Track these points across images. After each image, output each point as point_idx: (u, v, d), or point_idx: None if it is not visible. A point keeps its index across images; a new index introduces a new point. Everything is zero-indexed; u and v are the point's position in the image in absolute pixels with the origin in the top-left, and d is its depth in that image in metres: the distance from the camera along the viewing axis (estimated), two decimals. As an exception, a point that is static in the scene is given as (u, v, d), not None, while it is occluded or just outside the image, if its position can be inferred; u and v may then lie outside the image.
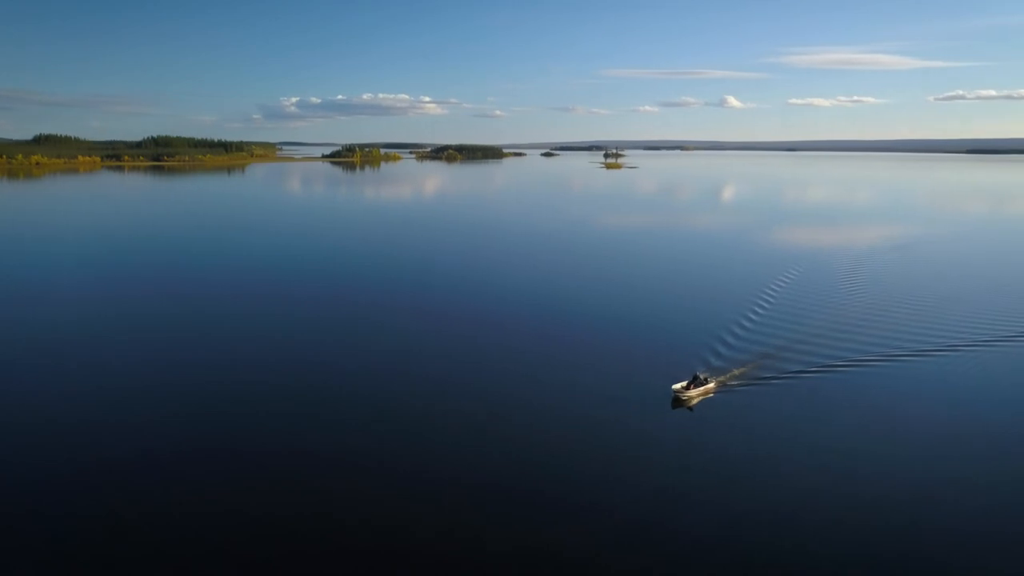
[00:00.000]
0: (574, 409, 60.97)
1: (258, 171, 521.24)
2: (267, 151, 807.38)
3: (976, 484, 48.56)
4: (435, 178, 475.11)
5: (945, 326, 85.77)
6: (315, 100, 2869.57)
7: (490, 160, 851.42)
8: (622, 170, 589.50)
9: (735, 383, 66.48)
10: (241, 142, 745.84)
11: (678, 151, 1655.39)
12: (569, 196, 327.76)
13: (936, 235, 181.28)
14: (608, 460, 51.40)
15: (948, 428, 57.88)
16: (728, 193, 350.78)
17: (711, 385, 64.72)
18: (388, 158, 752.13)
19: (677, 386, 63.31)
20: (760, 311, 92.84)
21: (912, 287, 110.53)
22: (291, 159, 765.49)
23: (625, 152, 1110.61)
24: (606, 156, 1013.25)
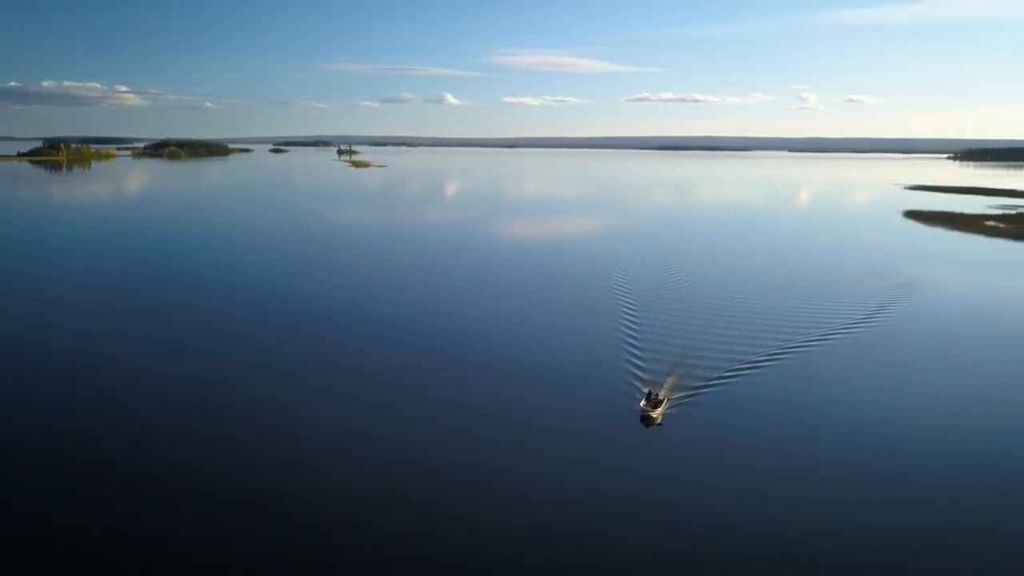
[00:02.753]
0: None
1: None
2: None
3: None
4: (188, 179, 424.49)
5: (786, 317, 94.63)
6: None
7: (216, 157, 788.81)
8: (371, 169, 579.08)
9: (677, 395, 65.69)
10: None
11: (404, 147, 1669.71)
12: (361, 203, 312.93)
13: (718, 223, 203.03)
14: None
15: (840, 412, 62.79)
16: (536, 194, 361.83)
17: (663, 398, 63.75)
18: (100, 156, 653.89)
19: (643, 403, 61.98)
20: (633, 319, 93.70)
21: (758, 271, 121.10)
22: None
23: (357, 149, 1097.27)
24: (340, 153, 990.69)
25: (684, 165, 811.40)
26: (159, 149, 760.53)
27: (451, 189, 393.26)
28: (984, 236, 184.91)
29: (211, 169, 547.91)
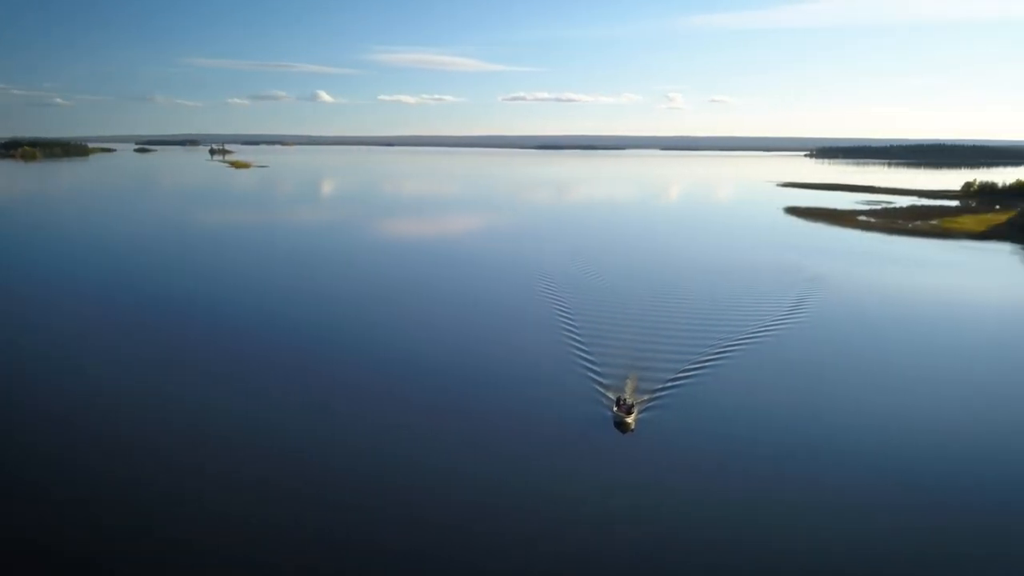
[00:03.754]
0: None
1: None
2: None
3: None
4: (61, 182, 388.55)
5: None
6: None
7: (75, 157, 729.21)
8: (253, 169, 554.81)
9: (642, 399, 66.75)
10: None
11: (278, 146, 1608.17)
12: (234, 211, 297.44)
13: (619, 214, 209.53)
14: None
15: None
16: (445, 193, 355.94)
17: (633, 403, 64.72)
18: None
19: (615, 409, 63.08)
20: (570, 322, 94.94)
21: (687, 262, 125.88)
22: None
23: (229, 148, 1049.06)
24: (212, 152, 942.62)
25: (566, 164, 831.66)
26: (10, 149, 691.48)
27: (347, 190, 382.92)
28: (861, 231, 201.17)
29: (77, 171, 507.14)
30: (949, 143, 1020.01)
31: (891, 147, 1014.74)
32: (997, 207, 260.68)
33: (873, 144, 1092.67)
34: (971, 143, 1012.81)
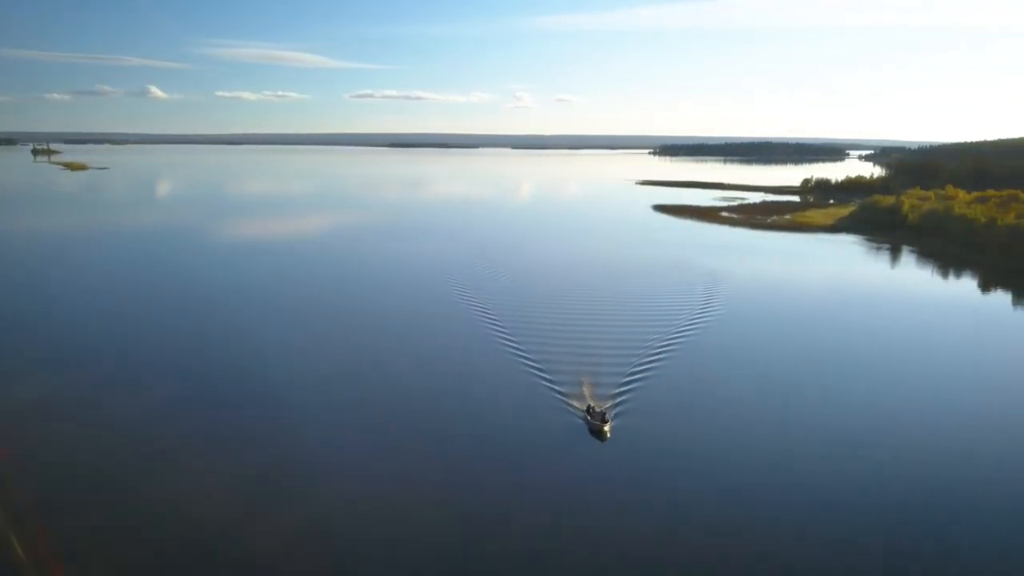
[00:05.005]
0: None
1: None
2: None
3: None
4: None
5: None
6: None
7: None
8: (91, 171, 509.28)
9: (606, 406, 68.21)
10: None
11: (108, 145, 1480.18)
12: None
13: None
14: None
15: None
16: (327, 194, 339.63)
17: (603, 410, 66.26)
18: None
19: (589, 418, 64.71)
20: (500, 328, 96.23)
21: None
22: None
23: (55, 148, 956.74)
24: (36, 153, 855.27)
25: (423, 162, 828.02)
26: None
27: (211, 192, 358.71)
28: (728, 226, 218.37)
29: None
30: (775, 141, 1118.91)
31: (726, 145, 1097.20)
32: (831, 202, 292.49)
33: (710, 142, 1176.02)
34: (794, 141, 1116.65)
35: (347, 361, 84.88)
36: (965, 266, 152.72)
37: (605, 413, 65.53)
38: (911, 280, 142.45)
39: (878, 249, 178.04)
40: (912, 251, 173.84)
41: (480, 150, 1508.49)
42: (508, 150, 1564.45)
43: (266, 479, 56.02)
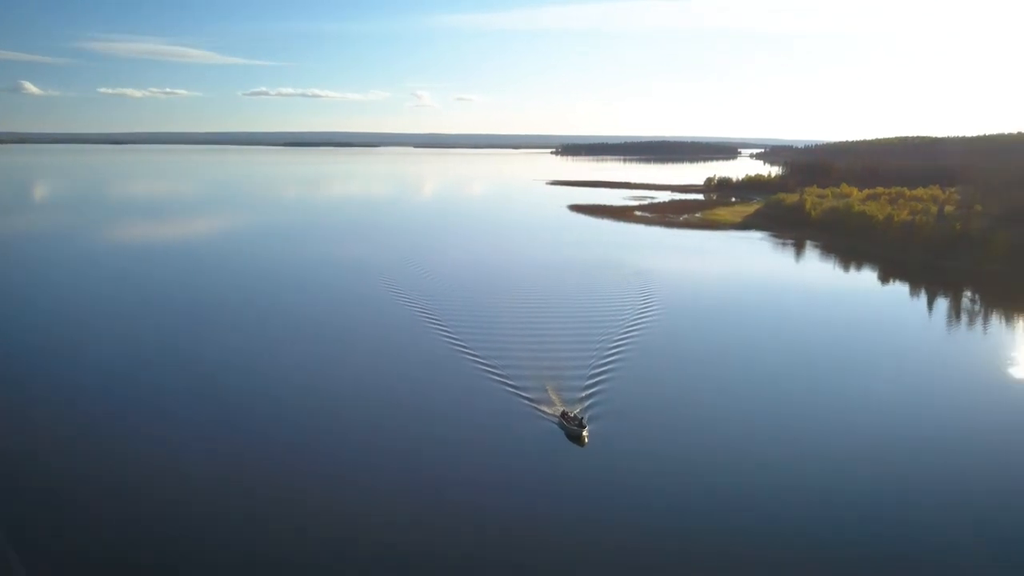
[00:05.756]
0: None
1: None
2: None
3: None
4: None
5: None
6: None
7: None
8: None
9: (578, 410, 68.82)
10: None
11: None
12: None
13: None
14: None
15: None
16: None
17: (577, 415, 66.71)
18: None
19: (566, 423, 65.18)
20: (448, 332, 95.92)
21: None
22: None
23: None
24: None
25: (326, 162, 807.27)
26: None
27: (85, 195, 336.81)
28: (644, 225, 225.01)
29: None
30: (672, 140, 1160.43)
31: (626, 144, 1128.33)
32: (734, 200, 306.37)
33: (610, 141, 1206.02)
34: (690, 140, 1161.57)
35: (279, 375, 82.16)
36: (868, 260, 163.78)
37: (582, 419, 65.91)
38: (816, 272, 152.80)
39: (784, 245, 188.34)
40: (817, 246, 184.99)
41: (381, 149, 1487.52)
42: (411, 149, 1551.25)
43: (233, 497, 53.52)
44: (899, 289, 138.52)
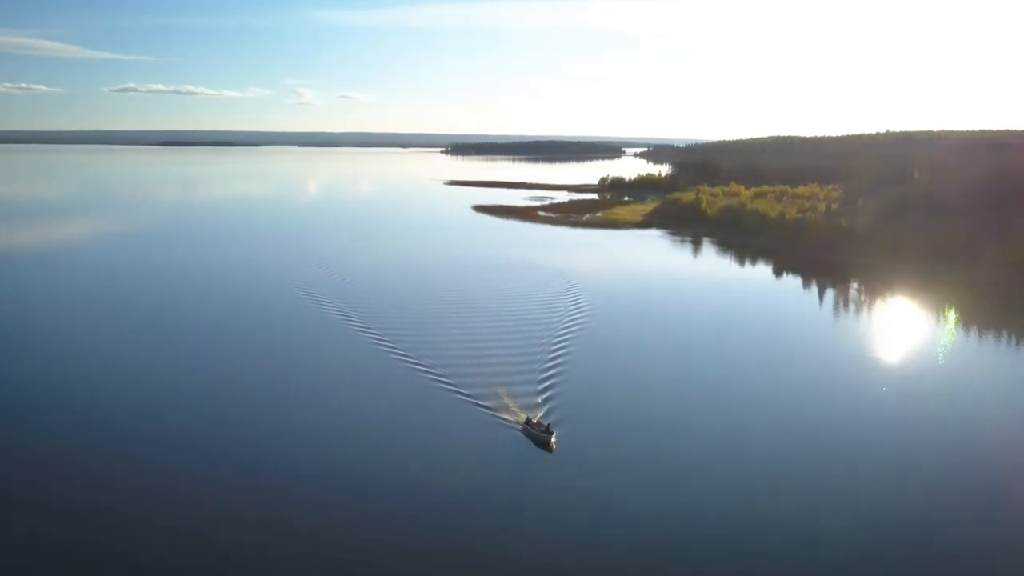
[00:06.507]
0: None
1: None
2: None
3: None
4: None
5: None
6: None
7: None
8: None
9: (540, 413, 69.60)
10: None
11: None
12: None
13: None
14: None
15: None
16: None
17: (540, 421, 67.29)
18: None
19: (531, 430, 65.58)
20: (376, 335, 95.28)
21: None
22: None
23: None
24: None
25: (204, 162, 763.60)
26: None
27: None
28: (550, 226, 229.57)
29: None
30: (558, 139, 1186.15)
31: (514, 143, 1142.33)
32: (627, 198, 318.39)
33: (497, 141, 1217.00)
34: (575, 139, 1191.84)
35: (207, 391, 79.74)
36: (763, 255, 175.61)
37: (548, 425, 66.33)
38: (717, 266, 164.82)
39: (684, 242, 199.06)
40: (713, 242, 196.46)
41: (264, 148, 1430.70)
42: (294, 148, 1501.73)
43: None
44: (794, 282, 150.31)
